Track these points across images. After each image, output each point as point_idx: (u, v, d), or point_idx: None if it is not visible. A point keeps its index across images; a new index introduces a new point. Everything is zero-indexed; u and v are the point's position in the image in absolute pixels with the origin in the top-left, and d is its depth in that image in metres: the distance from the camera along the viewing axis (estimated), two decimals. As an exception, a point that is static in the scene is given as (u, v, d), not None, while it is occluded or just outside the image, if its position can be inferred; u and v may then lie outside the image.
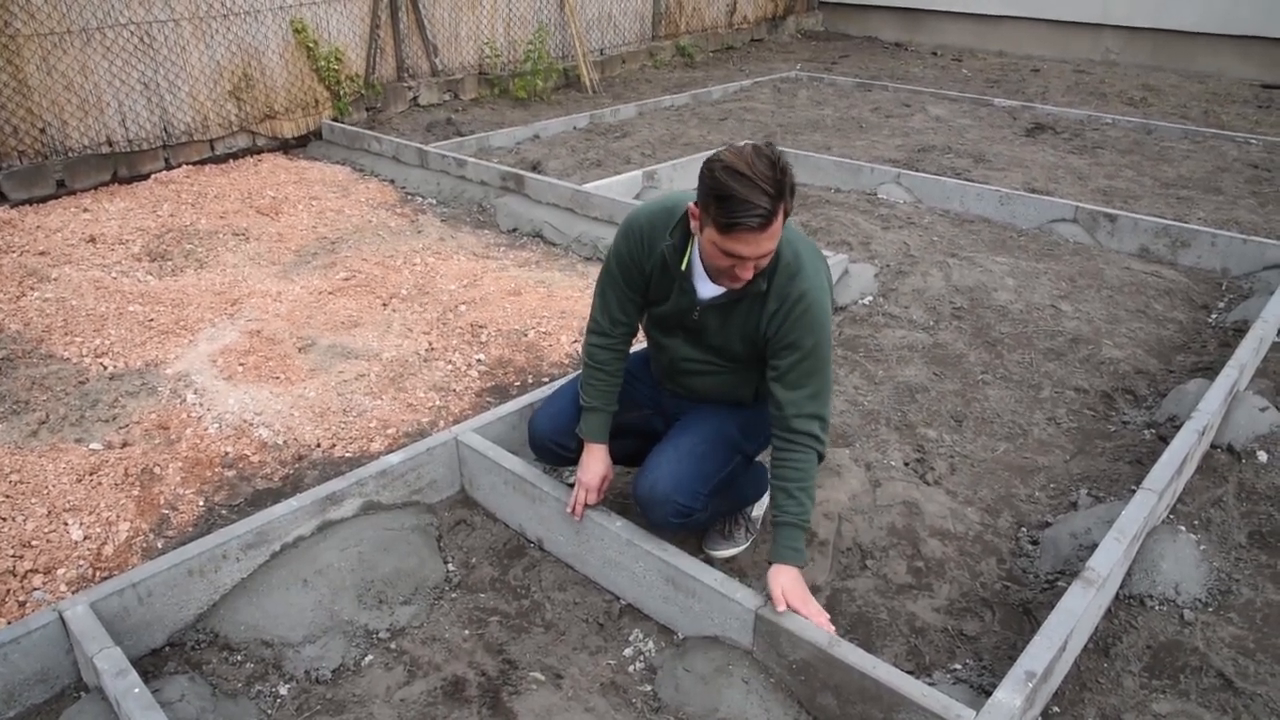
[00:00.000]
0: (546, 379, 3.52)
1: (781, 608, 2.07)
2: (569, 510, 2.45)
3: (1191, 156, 6.58)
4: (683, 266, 2.21)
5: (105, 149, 6.01)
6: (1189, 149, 6.78)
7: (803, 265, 2.14)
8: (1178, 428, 2.97)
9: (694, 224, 2.09)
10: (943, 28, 11.54)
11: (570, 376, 2.71)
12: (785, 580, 2.10)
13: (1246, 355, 3.41)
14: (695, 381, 2.43)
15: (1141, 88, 8.92)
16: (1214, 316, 4.19)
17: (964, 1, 11.21)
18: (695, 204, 2.06)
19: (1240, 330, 3.90)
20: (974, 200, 5.36)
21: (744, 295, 2.17)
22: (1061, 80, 9.36)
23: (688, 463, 2.30)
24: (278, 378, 3.54)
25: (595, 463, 2.44)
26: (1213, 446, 3.10)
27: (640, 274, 2.31)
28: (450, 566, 2.60)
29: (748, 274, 2.05)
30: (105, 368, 3.62)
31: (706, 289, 2.22)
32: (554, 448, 2.56)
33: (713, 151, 2.37)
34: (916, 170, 5.93)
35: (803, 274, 2.13)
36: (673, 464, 2.30)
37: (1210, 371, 3.49)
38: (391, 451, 2.94)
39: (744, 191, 1.88)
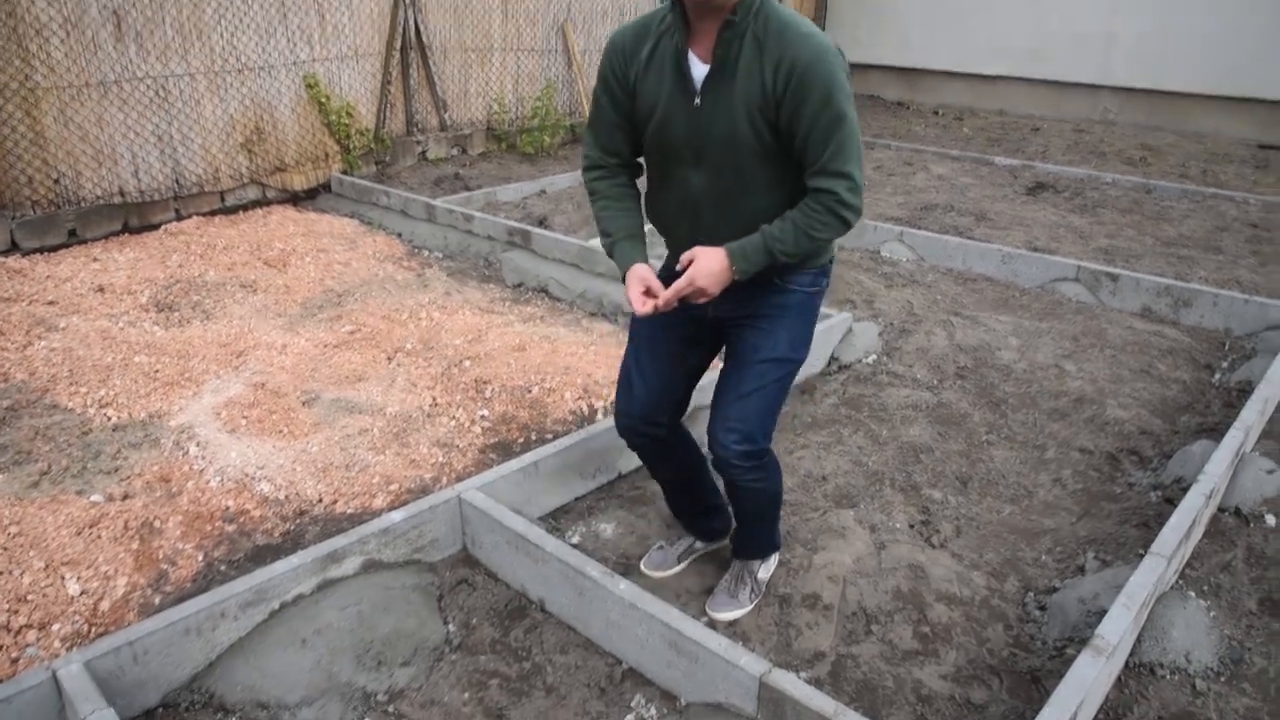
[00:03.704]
0: (550, 435, 3.52)
1: (680, 266, 2.07)
2: (642, 309, 2.11)
3: (1191, 216, 6.64)
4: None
5: (117, 199, 6.09)
6: (1189, 208, 6.85)
7: (797, 20, 2.00)
8: (1184, 490, 2.96)
9: None
10: (943, 87, 11.72)
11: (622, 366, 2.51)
12: (705, 260, 2.04)
13: (1252, 417, 3.40)
14: (718, 223, 2.14)
15: (1140, 147, 9.03)
16: (1218, 376, 4.19)
17: (964, 62, 11.40)
18: None
19: (1245, 391, 3.89)
20: (977, 259, 5.40)
21: (738, 52, 1.99)
22: (1061, 139, 9.49)
23: (753, 406, 2.24)
24: (281, 431, 3.54)
25: (638, 279, 2.15)
26: (1220, 509, 3.08)
27: (625, 92, 2.16)
28: (450, 627, 2.57)
29: None
30: (109, 418, 3.63)
31: (700, 69, 2.04)
32: (648, 430, 2.44)
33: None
34: (919, 228, 5.98)
35: (797, 24, 1.99)
36: (738, 417, 2.24)
37: (1215, 433, 3.48)
38: (394, 508, 2.93)
39: None
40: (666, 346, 2.39)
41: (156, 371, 4.03)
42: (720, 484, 2.52)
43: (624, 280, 2.19)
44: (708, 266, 2.05)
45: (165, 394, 3.84)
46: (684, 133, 2.08)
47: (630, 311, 2.40)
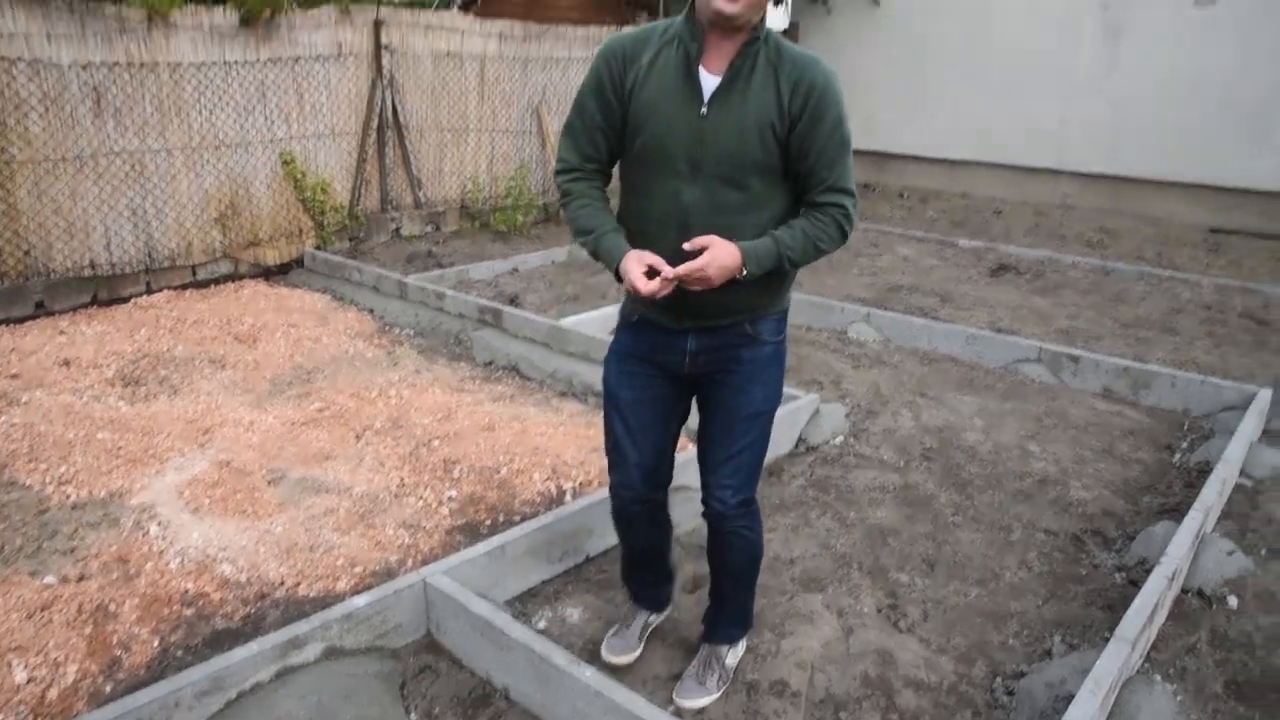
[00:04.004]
0: (518, 517, 3.49)
1: (690, 246, 2.07)
2: (647, 288, 2.08)
3: (1148, 297, 6.82)
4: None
5: (88, 272, 6.08)
6: (1145, 290, 7.04)
7: (800, 49, 2.14)
8: (1148, 571, 2.99)
9: None
10: (909, 170, 12.06)
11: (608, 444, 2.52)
12: (720, 250, 2.05)
13: (1211, 497, 3.46)
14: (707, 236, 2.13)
15: (1098, 230, 9.31)
16: (1177, 457, 4.26)
17: (929, 146, 11.76)
18: None
19: (1204, 471, 3.96)
20: (942, 339, 5.50)
21: (746, 65, 2.08)
22: (1023, 222, 9.76)
23: (744, 462, 2.36)
24: (245, 511, 3.50)
25: (637, 259, 2.12)
26: (1183, 591, 3.11)
27: (617, 95, 2.15)
28: (413, 717, 2.51)
29: None
30: (68, 496, 3.56)
31: (709, 81, 2.09)
32: (651, 496, 2.49)
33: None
34: (886, 309, 6.09)
35: (803, 51, 2.13)
36: (731, 474, 2.36)
37: (1177, 513, 3.53)
38: (358, 592, 2.89)
39: None
40: (651, 410, 2.41)
41: (119, 448, 3.98)
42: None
43: (616, 272, 2.16)
44: (722, 258, 2.06)
45: (127, 471, 3.78)
46: (685, 141, 2.10)
47: (605, 379, 2.43)
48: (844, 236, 2.19)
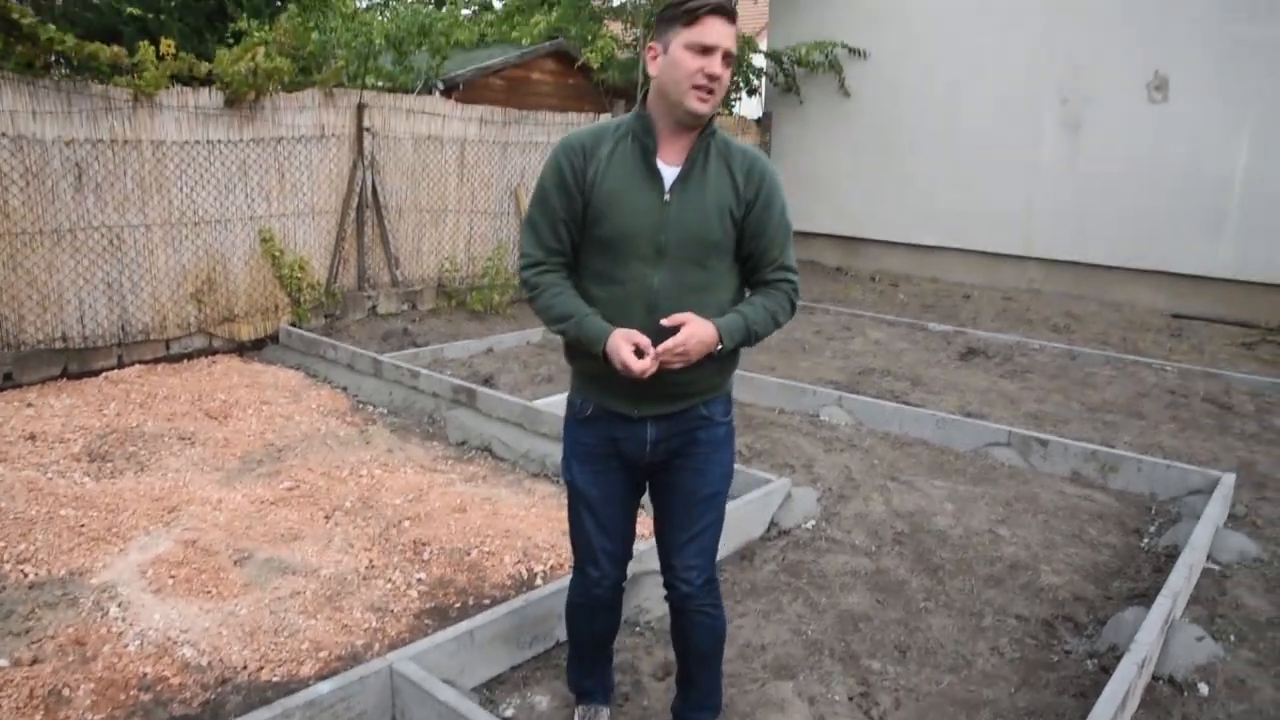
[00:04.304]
0: (488, 600, 3.45)
1: (668, 323, 2.16)
2: (639, 366, 2.14)
3: (1114, 382, 6.95)
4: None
5: (59, 344, 6.05)
6: (1111, 374, 7.17)
7: (748, 145, 2.33)
8: (1119, 658, 2.99)
9: (654, 64, 2.19)
10: (880, 254, 12.33)
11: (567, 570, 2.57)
12: (697, 326, 2.16)
13: (1179, 583, 3.48)
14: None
15: (1065, 315, 9.51)
16: (1146, 541, 4.30)
17: (900, 233, 12.05)
18: (651, 43, 2.19)
19: (1171, 555, 3.99)
20: (912, 423, 5.56)
21: (702, 156, 2.22)
22: (991, 306, 9.97)
23: (706, 542, 2.44)
24: (209, 592, 3.43)
25: (624, 339, 2.17)
26: (1154, 678, 3.11)
27: (579, 188, 2.23)
28: (374, 809, 2.44)
29: (718, 68, 2.12)
30: (25, 575, 3.49)
31: (668, 171, 2.22)
32: (619, 584, 2.54)
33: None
34: (857, 393, 6.17)
35: (752, 147, 2.32)
36: (696, 555, 2.42)
37: (1146, 598, 3.55)
38: (323, 677, 2.83)
39: None
40: (619, 503, 2.46)
41: (82, 526, 3.91)
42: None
43: (602, 351, 2.19)
44: (700, 333, 2.17)
45: (89, 550, 3.71)
46: (650, 227, 2.20)
47: (569, 478, 2.44)
48: (794, 310, 2.38)
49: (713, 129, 2.25)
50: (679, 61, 2.12)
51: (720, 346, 2.21)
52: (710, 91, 2.13)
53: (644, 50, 2.26)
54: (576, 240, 2.29)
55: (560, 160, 2.25)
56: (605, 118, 2.28)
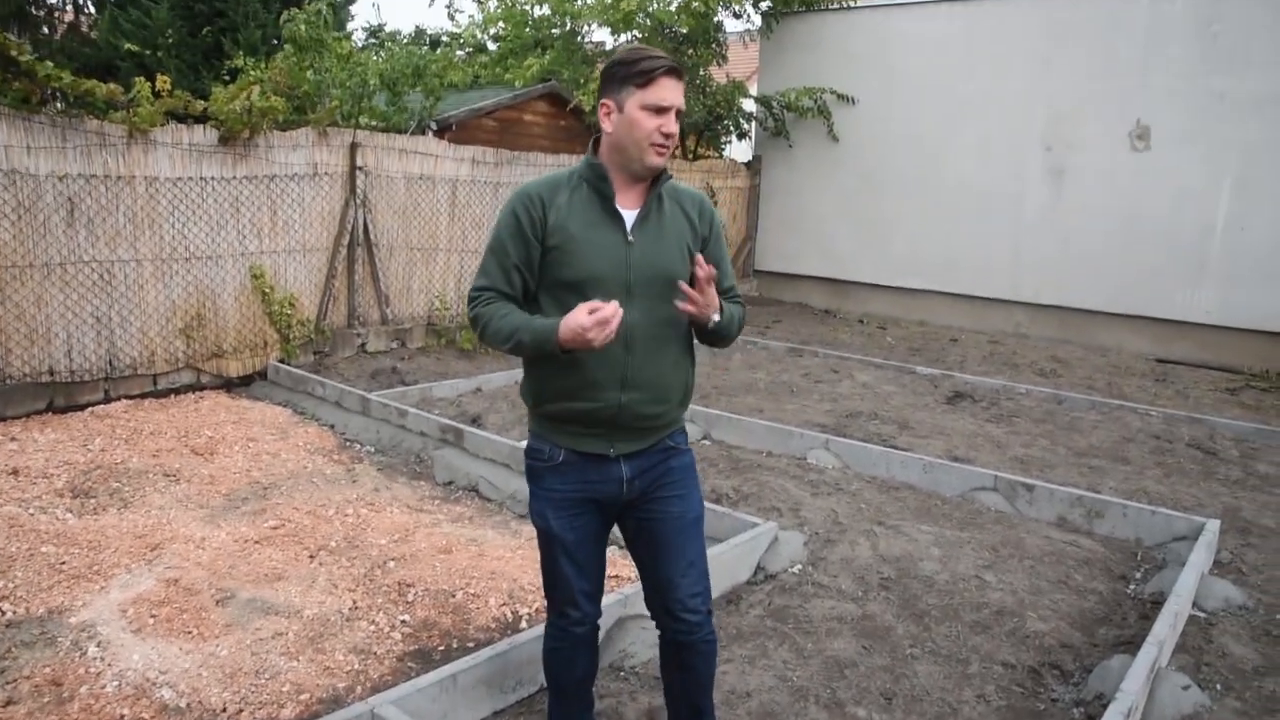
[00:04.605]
0: (472, 644, 3.42)
1: (702, 273, 2.26)
2: (610, 313, 2.14)
3: (1100, 427, 6.98)
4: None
5: (45, 378, 6.02)
6: (1097, 419, 7.21)
7: (689, 186, 2.55)
8: (1104, 706, 2.98)
9: (607, 120, 2.28)
10: (869, 297, 12.43)
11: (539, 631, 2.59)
12: (710, 292, 2.30)
13: (1164, 631, 3.48)
14: (648, 354, 2.33)
15: (1051, 359, 9.58)
16: (1132, 587, 4.30)
17: (889, 276, 12.17)
18: (603, 100, 2.28)
19: (1157, 602, 4.00)
20: (899, 467, 5.57)
21: (657, 200, 2.36)
22: (978, 350, 10.03)
23: (703, 566, 2.50)
24: (190, 632, 3.39)
25: (581, 309, 2.16)
26: (1141, 729, 3.10)
27: (536, 236, 2.29)
28: None
29: (673, 126, 2.25)
30: (3, 614, 3.45)
31: (628, 214, 2.33)
32: (597, 620, 2.57)
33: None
34: (845, 436, 6.18)
35: (693, 188, 2.55)
36: (697, 581, 2.47)
37: (1133, 645, 3.54)
38: (302, 722, 2.79)
39: (646, 51, 2.24)
40: (593, 544, 2.48)
41: (63, 563, 3.87)
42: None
43: (555, 335, 2.17)
44: (711, 296, 2.31)
45: (69, 588, 3.68)
46: (617, 267, 2.29)
47: (543, 525, 2.43)
48: (742, 328, 2.54)
49: (667, 175, 2.38)
50: (637, 121, 2.23)
51: (718, 318, 2.37)
52: (665, 147, 2.27)
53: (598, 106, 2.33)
54: (530, 287, 2.35)
55: (516, 208, 2.31)
56: (538, 179, 2.40)
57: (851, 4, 12.12)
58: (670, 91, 2.23)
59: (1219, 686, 3.40)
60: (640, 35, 11.75)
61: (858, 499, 5.15)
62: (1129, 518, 4.87)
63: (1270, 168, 9.49)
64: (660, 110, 2.22)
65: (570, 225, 2.28)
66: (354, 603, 3.68)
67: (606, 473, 2.38)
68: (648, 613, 2.59)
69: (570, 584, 2.47)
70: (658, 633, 2.54)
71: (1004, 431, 6.73)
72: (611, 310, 2.12)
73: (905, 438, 6.39)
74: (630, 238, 2.31)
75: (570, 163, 9.38)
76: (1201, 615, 3.96)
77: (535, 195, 2.31)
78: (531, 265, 2.31)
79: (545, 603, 2.61)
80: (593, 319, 2.10)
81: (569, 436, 2.37)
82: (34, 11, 13.18)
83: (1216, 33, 9.66)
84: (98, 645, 3.26)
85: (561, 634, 2.56)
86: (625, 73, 2.23)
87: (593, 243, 2.28)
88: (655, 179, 2.35)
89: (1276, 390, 8.74)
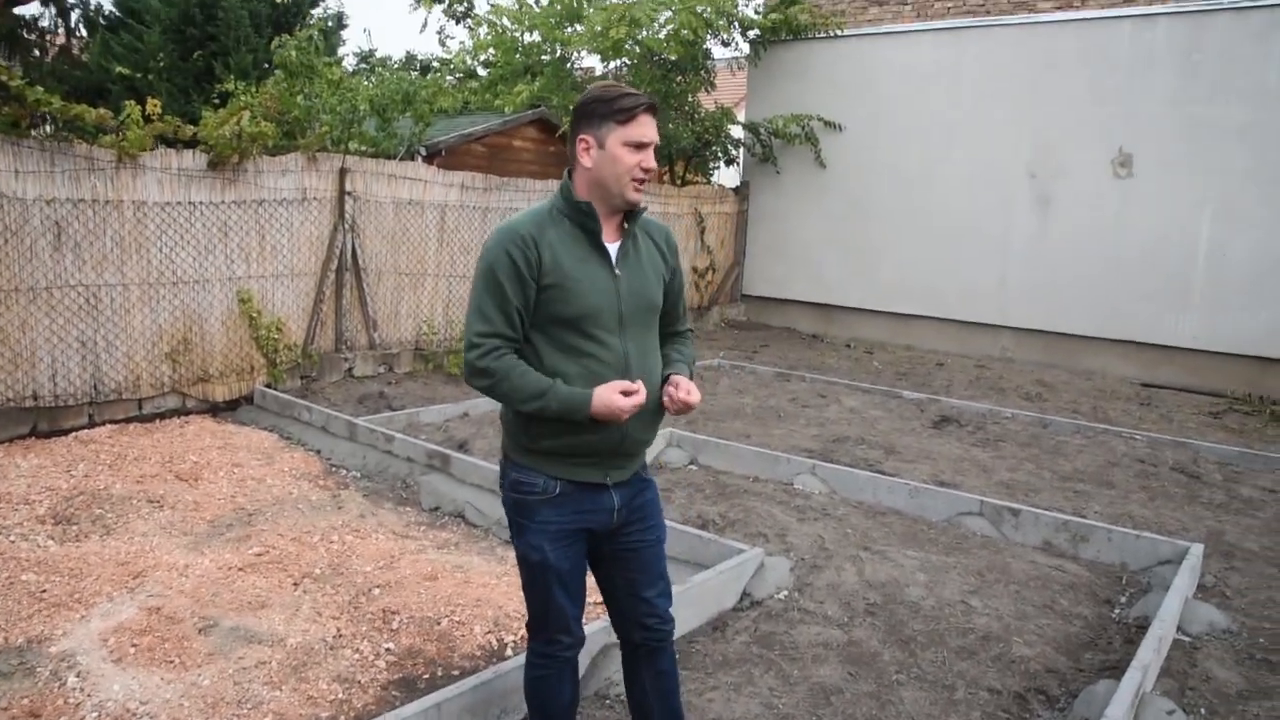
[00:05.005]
0: (457, 671, 3.41)
1: (681, 388, 2.38)
2: (636, 404, 2.30)
3: (1085, 451, 7.02)
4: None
5: (29, 402, 5.98)
6: (1082, 444, 7.25)
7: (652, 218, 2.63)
8: (1089, 734, 2.98)
9: (586, 156, 2.33)
10: (856, 322, 12.49)
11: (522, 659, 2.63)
12: (680, 379, 2.43)
13: (1148, 656, 3.49)
14: (643, 377, 2.41)
15: (1036, 383, 9.63)
16: (1117, 612, 4.31)
17: (875, 301, 12.24)
18: (582, 136, 2.33)
19: (1142, 626, 4.01)
20: (886, 492, 5.58)
21: (633, 233, 2.44)
22: (964, 375, 10.08)
23: (668, 578, 2.64)
24: (172, 661, 3.37)
25: (613, 387, 2.29)
26: (1126, 755, 3.09)
27: (530, 273, 2.29)
28: None
29: (652, 162, 2.34)
30: (-19, 644, 3.41)
31: (611, 247, 2.40)
32: (583, 642, 2.63)
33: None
34: (831, 461, 6.19)
35: (656, 220, 2.61)
36: (664, 591, 2.60)
37: (1118, 670, 3.54)
38: (283, 752, 2.77)
39: (623, 89, 2.31)
40: (581, 571, 2.53)
41: (43, 591, 3.84)
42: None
43: (588, 408, 2.27)
44: (687, 382, 2.45)
45: (49, 617, 3.64)
46: (610, 300, 2.36)
47: (538, 557, 2.44)
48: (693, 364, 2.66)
49: (642, 208, 2.45)
50: (619, 158, 2.30)
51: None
52: (644, 182, 2.36)
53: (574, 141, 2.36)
54: (526, 325, 2.36)
55: (510, 249, 2.29)
56: (519, 217, 2.45)
57: (838, 33, 12.27)
58: (649, 128, 2.32)
59: (1203, 711, 3.41)
60: (630, 62, 11.86)
61: (844, 524, 5.16)
62: (1114, 542, 4.89)
63: (1252, 194, 9.63)
64: (640, 146, 2.30)
65: (564, 262, 2.31)
66: (338, 630, 3.66)
67: (599, 503, 2.44)
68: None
69: (564, 612, 2.50)
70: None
71: (990, 456, 6.76)
72: (643, 392, 2.30)
73: (892, 462, 6.41)
74: (617, 271, 2.38)
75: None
76: (1186, 640, 3.98)
77: (527, 235, 2.31)
78: (529, 306, 2.32)
79: (528, 631, 2.61)
80: (630, 402, 2.27)
81: (565, 467, 2.40)
82: (25, 35, 13.21)
83: (1197, 61, 9.82)
84: (77, 675, 3.23)
85: (549, 660, 2.57)
86: (605, 110, 2.29)
87: (586, 278, 2.33)
88: (630, 212, 2.42)
89: (1259, 414, 8.81)
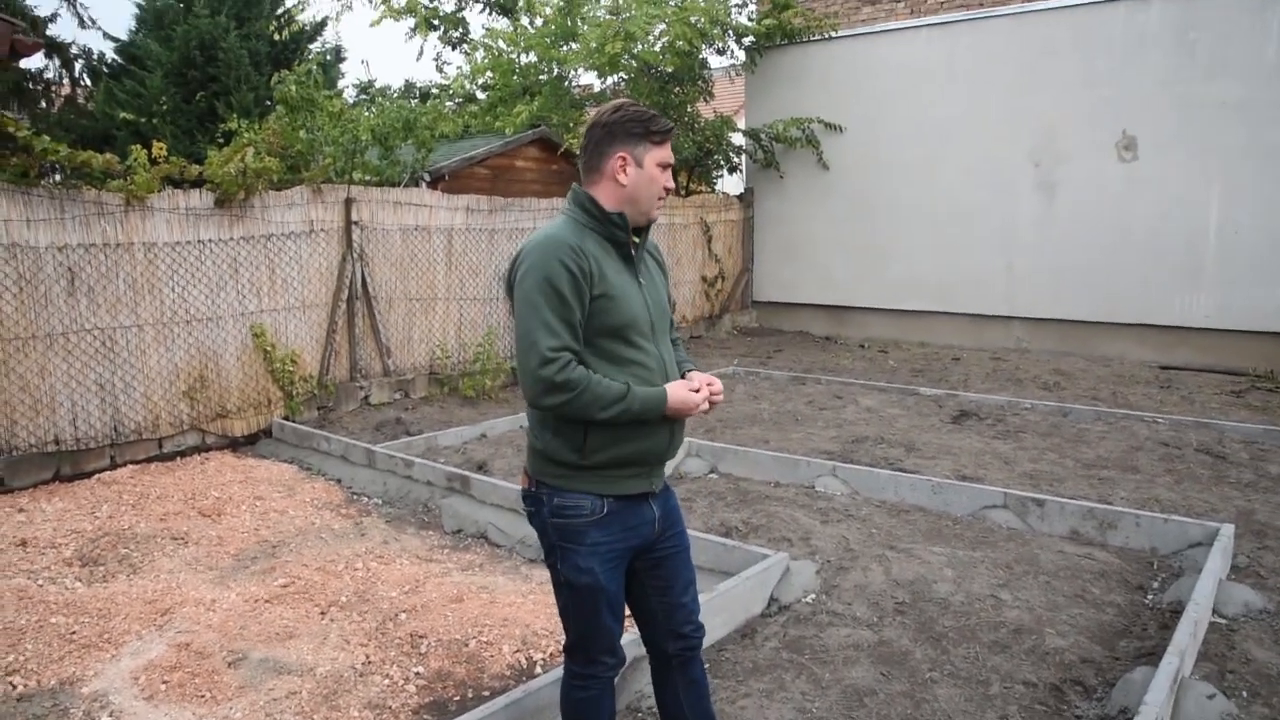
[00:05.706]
0: (487, 692, 3.40)
1: (702, 383, 2.45)
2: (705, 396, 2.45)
3: (1107, 437, 6.96)
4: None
5: (51, 448, 6.03)
6: (1103, 430, 7.19)
7: None
8: (1130, 721, 2.94)
9: (623, 173, 2.38)
10: (868, 321, 12.45)
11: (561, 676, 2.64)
12: (698, 374, 2.51)
13: (1184, 640, 3.44)
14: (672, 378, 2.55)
15: (1053, 372, 9.57)
16: (1150, 597, 4.26)
17: (886, 299, 12.20)
18: (620, 153, 2.38)
19: (1176, 611, 3.96)
20: (908, 490, 5.55)
21: (643, 246, 2.53)
22: (980, 368, 10.02)
23: (696, 584, 2.68)
24: (203, 696, 3.37)
25: (682, 384, 2.45)
26: (1168, 741, 3.05)
27: (587, 282, 2.31)
28: None
29: (672, 182, 2.48)
30: (14, 687, 3.43)
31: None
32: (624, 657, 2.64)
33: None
34: (851, 462, 6.16)
35: None
36: (695, 597, 2.64)
37: (1154, 656, 3.50)
38: (318, 781, 2.76)
39: (652, 110, 2.42)
40: (623, 591, 2.55)
41: (73, 633, 3.86)
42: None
43: (665, 404, 2.38)
44: (702, 374, 2.54)
45: (80, 658, 3.66)
46: (643, 310, 2.44)
47: (589, 580, 2.41)
48: None
49: (652, 219, 2.54)
50: (654, 177, 2.41)
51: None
52: (665, 200, 2.50)
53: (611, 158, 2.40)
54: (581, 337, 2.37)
55: (564, 259, 2.28)
56: (559, 229, 2.50)
57: (832, 34, 12.28)
58: (671, 152, 2.48)
59: (1245, 694, 3.36)
60: (627, 76, 11.90)
61: (868, 524, 5.13)
62: (1142, 527, 4.84)
63: (1256, 169, 9.56)
64: (667, 166, 2.44)
65: (608, 273, 2.37)
66: (367, 657, 3.66)
67: (642, 516, 2.47)
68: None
69: (611, 633, 2.51)
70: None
71: (1011, 448, 6.71)
72: (705, 389, 2.45)
73: (912, 460, 6.37)
74: (641, 281, 2.48)
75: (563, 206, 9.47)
76: (1222, 622, 3.92)
77: (576, 246, 2.31)
78: (585, 313, 2.33)
79: (560, 645, 2.61)
80: (700, 396, 2.42)
81: (612, 483, 2.39)
82: (31, 87, 13.39)
83: (1194, 40, 9.77)
84: (110, 715, 3.24)
85: (591, 680, 2.53)
86: (642, 130, 2.38)
87: (627, 288, 2.41)
88: (644, 226, 2.51)
89: (1282, 390, 8.72)
